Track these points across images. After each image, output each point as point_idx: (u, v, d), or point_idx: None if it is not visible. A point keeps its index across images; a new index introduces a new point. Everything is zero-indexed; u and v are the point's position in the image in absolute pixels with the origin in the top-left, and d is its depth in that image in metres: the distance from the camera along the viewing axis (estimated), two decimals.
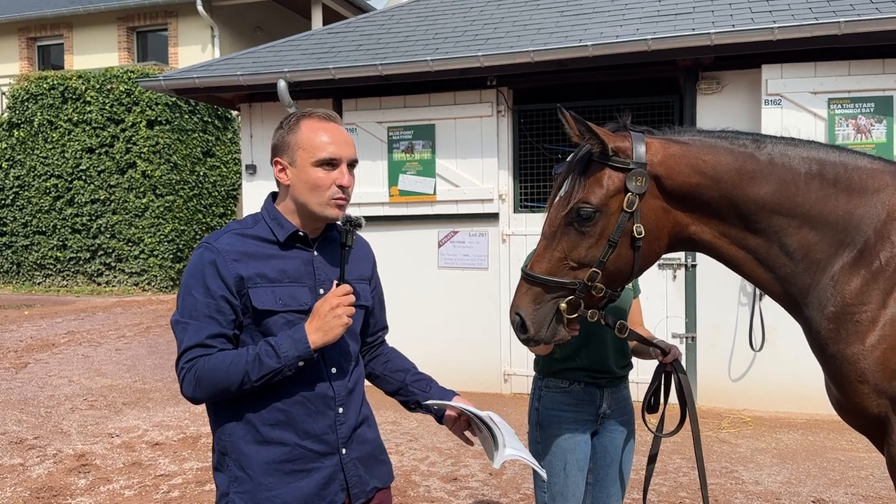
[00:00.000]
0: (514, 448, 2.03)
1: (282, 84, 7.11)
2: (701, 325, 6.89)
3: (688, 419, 2.83)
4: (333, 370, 1.99)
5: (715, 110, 6.62)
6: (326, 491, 1.95)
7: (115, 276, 15.32)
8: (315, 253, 2.03)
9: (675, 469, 5.16)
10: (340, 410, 1.99)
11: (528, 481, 4.84)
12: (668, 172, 2.26)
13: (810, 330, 2.30)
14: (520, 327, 2.31)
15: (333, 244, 2.08)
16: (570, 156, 2.34)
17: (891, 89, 6.12)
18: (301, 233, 2.00)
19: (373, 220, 7.74)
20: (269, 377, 1.85)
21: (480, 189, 7.46)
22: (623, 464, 2.89)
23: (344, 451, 1.99)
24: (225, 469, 1.96)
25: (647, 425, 2.78)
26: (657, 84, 7.28)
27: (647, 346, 2.73)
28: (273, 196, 2.07)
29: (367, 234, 8.38)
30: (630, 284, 2.86)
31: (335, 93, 7.53)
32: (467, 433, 2.19)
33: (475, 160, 7.46)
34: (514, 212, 7.49)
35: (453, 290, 7.57)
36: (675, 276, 6.99)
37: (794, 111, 6.23)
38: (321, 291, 1.98)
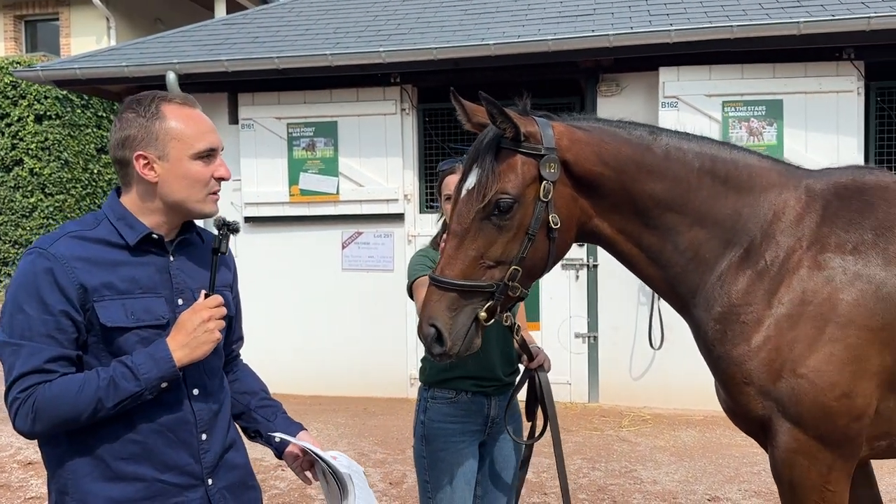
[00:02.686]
0: (366, 501, 1.85)
1: (171, 76, 6.71)
2: (602, 324, 6.93)
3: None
4: (195, 391, 1.77)
5: (615, 112, 6.64)
6: None
7: (1, 281, 14.27)
8: (171, 258, 1.78)
9: (575, 470, 5.13)
10: (204, 437, 1.77)
11: None
12: (576, 158, 2.14)
13: (698, 330, 2.25)
14: (435, 340, 2.08)
15: (192, 248, 1.85)
16: (473, 144, 2.17)
17: (781, 93, 6.33)
18: (155, 235, 1.75)
19: (272, 221, 7.44)
20: (127, 403, 1.62)
21: (385, 189, 7.28)
22: (513, 473, 2.77)
23: (210, 481, 1.77)
24: None
25: (508, 433, 2.65)
26: (560, 85, 7.29)
27: (522, 351, 2.60)
28: (118, 191, 1.80)
29: (267, 236, 8.04)
30: None
31: (230, 86, 7.17)
32: (308, 473, 2.00)
33: (380, 159, 7.27)
34: (420, 212, 7.35)
35: (358, 292, 7.35)
36: (577, 277, 7.01)
37: (690, 113, 6.34)
38: (180, 302, 1.75)
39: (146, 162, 1.71)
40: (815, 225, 2.12)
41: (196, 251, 1.85)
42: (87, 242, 1.69)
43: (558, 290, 7.05)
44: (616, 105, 6.72)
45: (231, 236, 1.81)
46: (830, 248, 2.08)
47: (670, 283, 2.24)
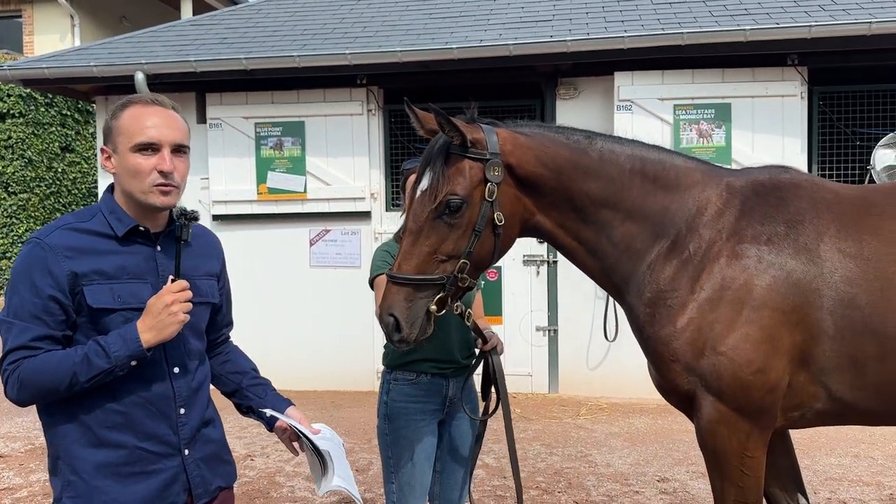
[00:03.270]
0: (341, 477, 2.03)
1: (139, 76, 6.80)
2: (562, 318, 7.20)
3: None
4: (176, 370, 1.94)
5: (573, 114, 6.93)
6: (167, 492, 1.90)
7: None
8: (158, 248, 1.95)
9: (534, 455, 5.38)
10: (182, 411, 1.94)
11: None
12: (518, 162, 2.37)
13: (631, 314, 2.49)
14: (394, 328, 2.30)
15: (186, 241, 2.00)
16: (426, 150, 2.39)
17: (729, 97, 6.65)
18: (142, 227, 1.92)
19: (240, 219, 7.57)
20: (100, 378, 1.78)
21: (352, 187, 7.45)
22: (469, 449, 2.99)
23: (187, 451, 1.94)
24: (58, 473, 1.88)
25: (465, 411, 2.88)
26: (521, 88, 7.54)
27: (476, 334, 2.82)
28: (112, 188, 1.98)
29: (235, 233, 8.15)
30: None
31: (198, 86, 7.29)
32: (295, 444, 2.17)
33: (347, 158, 7.44)
34: (387, 210, 7.54)
35: (326, 288, 7.52)
36: (538, 273, 7.27)
37: (643, 116, 6.64)
38: None
39: (106, 156, 1.91)
40: (733, 218, 2.37)
41: (189, 243, 2.00)
42: (80, 233, 1.87)
43: (520, 285, 7.31)
44: (574, 108, 7.00)
45: (191, 225, 1.95)
46: (747, 240, 2.33)
47: (606, 272, 2.48)
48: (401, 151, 7.44)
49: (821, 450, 5.52)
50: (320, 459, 2.09)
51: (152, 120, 1.87)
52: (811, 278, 2.26)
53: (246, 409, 2.19)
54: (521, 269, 7.31)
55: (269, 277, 7.53)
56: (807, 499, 2.69)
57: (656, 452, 5.44)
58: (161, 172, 1.85)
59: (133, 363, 1.81)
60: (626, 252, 2.44)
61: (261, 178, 7.49)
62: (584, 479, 4.91)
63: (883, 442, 5.69)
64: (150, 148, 1.86)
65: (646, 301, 2.40)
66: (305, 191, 7.49)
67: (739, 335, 2.27)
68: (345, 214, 7.51)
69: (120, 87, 7.37)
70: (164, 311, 1.81)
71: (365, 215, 7.50)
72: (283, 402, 2.17)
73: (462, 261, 2.31)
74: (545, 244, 7.06)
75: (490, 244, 2.35)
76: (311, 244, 7.68)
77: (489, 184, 2.30)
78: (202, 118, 7.38)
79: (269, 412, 2.09)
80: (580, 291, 6.96)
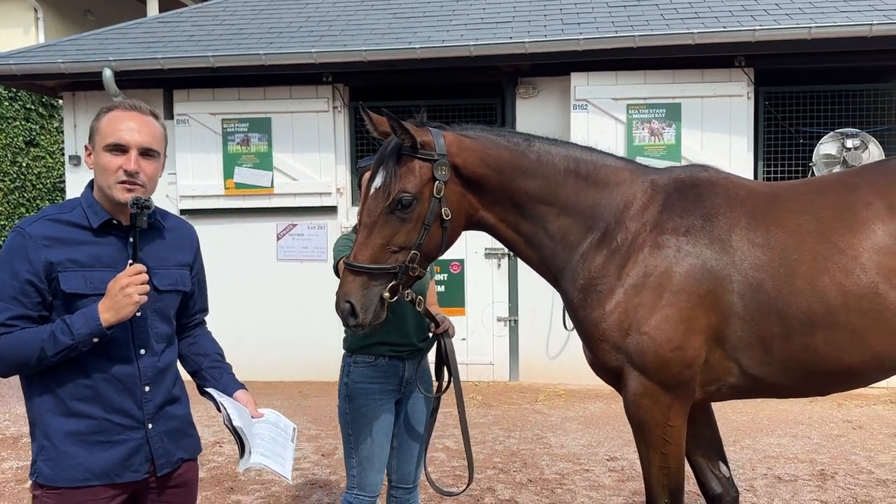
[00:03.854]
0: (265, 455, 2.18)
1: (107, 73, 6.91)
2: (522, 309, 7.48)
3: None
4: (142, 351, 2.12)
5: (532, 113, 7.20)
6: (131, 461, 2.09)
7: None
8: (130, 240, 2.11)
9: (492, 439, 5.64)
10: (147, 389, 2.12)
11: None
12: (464, 162, 2.60)
13: (566, 299, 2.74)
14: (350, 313, 2.51)
15: (156, 231, 2.20)
16: (380, 150, 2.61)
17: (679, 97, 6.97)
18: (115, 221, 2.10)
19: (208, 213, 7.70)
20: (65, 353, 1.97)
21: (318, 183, 7.64)
22: (424, 425, 3.22)
23: (150, 426, 2.13)
24: (35, 438, 2.08)
25: (420, 389, 3.12)
26: (483, 87, 7.79)
27: (428, 318, 3.05)
28: (92, 184, 2.17)
29: (203, 228, 8.24)
30: (427, 269, 3.22)
31: (165, 83, 7.42)
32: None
33: (313, 154, 7.63)
34: (353, 205, 7.73)
35: (293, 281, 7.69)
36: (499, 265, 7.54)
37: (598, 115, 6.93)
38: None
39: (88, 153, 2.13)
40: (656, 212, 2.63)
41: (155, 234, 2.20)
42: (59, 224, 2.07)
43: (482, 278, 7.57)
44: (533, 107, 7.27)
45: (144, 213, 2.08)
46: (668, 231, 2.59)
47: (544, 262, 2.73)
48: (367, 148, 7.64)
49: (762, 431, 5.86)
50: (237, 437, 2.21)
51: (126, 124, 2.08)
52: (724, 265, 2.53)
53: (204, 391, 2.36)
54: (482, 262, 7.57)
55: (237, 271, 7.69)
56: (727, 466, 2.96)
57: (608, 434, 5.73)
58: (126, 171, 2.05)
59: (95, 340, 2.00)
60: (561, 243, 2.69)
61: (228, 174, 7.63)
62: (538, 459, 5.19)
63: (820, 423, 6.07)
64: (118, 148, 2.06)
65: (579, 287, 2.66)
66: (272, 186, 7.65)
67: (660, 317, 2.53)
68: (311, 209, 7.69)
69: (87, 83, 7.47)
70: (121, 294, 1.99)
71: (331, 210, 7.69)
72: (234, 386, 2.34)
73: (413, 251, 2.53)
74: None
75: (438, 237, 2.58)
76: (279, 238, 7.85)
77: (437, 182, 2.52)
78: (169, 114, 7.50)
79: (211, 391, 2.25)
80: (540, 283, 7.07)
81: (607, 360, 2.64)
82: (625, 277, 2.58)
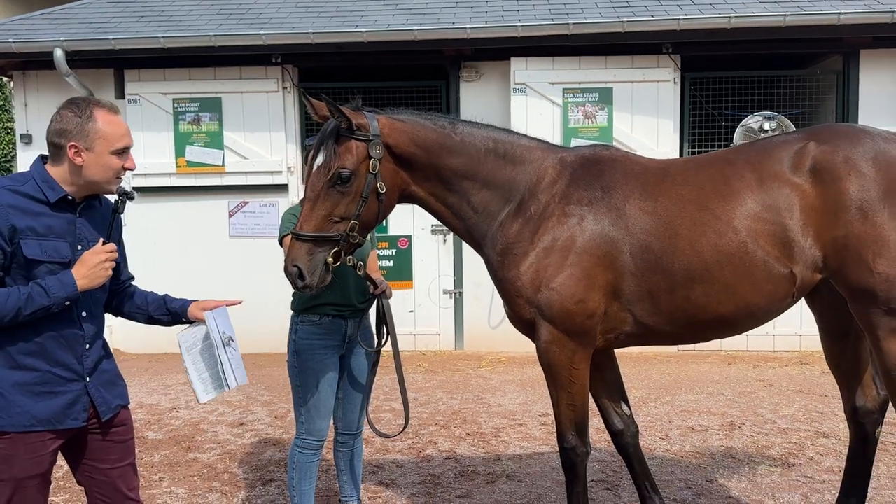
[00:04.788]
0: (201, 381, 2.56)
1: (59, 53, 7.02)
2: (467, 282, 7.90)
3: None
4: (84, 314, 2.44)
5: (474, 96, 7.58)
6: (71, 410, 2.40)
7: None
8: (77, 215, 2.44)
9: (436, 400, 6.06)
10: (87, 347, 2.44)
11: None
12: (396, 143, 2.96)
13: (488, 262, 3.14)
14: (298, 277, 2.86)
15: (92, 209, 2.50)
16: (321, 131, 2.95)
17: (611, 82, 7.42)
18: (70, 197, 2.40)
19: (160, 191, 7.90)
20: (40, 312, 2.27)
21: (269, 161, 7.89)
22: (366, 380, 3.60)
23: (88, 378, 2.44)
24: None
25: (360, 344, 3.49)
26: (428, 70, 8.12)
27: (367, 280, 3.42)
28: (43, 158, 2.44)
29: (155, 205, 8.48)
30: (368, 239, 3.59)
31: (116, 63, 7.55)
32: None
33: (263, 134, 7.87)
34: (303, 183, 7.97)
35: (245, 258, 7.95)
36: (445, 241, 7.92)
37: (536, 98, 7.34)
38: (79, 248, 2.41)
39: (76, 150, 2.37)
40: (564, 186, 3.03)
41: (95, 211, 2.51)
42: (19, 195, 2.34)
43: (428, 253, 7.96)
44: (476, 90, 7.64)
45: (128, 201, 2.48)
46: (573, 202, 3.00)
47: (469, 230, 3.12)
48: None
49: (681, 389, 6.41)
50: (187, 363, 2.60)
51: (123, 129, 2.42)
52: (619, 231, 2.95)
53: (168, 322, 2.70)
54: (429, 238, 7.95)
55: (190, 248, 7.92)
56: (628, 406, 3.41)
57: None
58: (126, 169, 2.42)
59: (67, 303, 2.32)
60: (483, 214, 3.08)
61: (179, 152, 7.83)
62: (477, 416, 5.63)
63: (735, 382, 6.65)
64: (124, 151, 2.41)
65: (498, 251, 3.05)
66: (224, 164, 7.88)
67: (566, 275, 2.94)
68: (263, 187, 7.95)
69: (38, 62, 7.55)
70: (98, 266, 2.34)
71: (282, 188, 7.97)
72: (186, 303, 2.69)
73: (353, 221, 2.89)
74: None
75: (375, 208, 2.95)
76: (231, 215, 8.10)
77: (372, 160, 2.89)
78: (121, 94, 7.64)
79: (204, 317, 2.61)
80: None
81: (522, 313, 3.05)
82: (537, 242, 2.98)
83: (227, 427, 5.49)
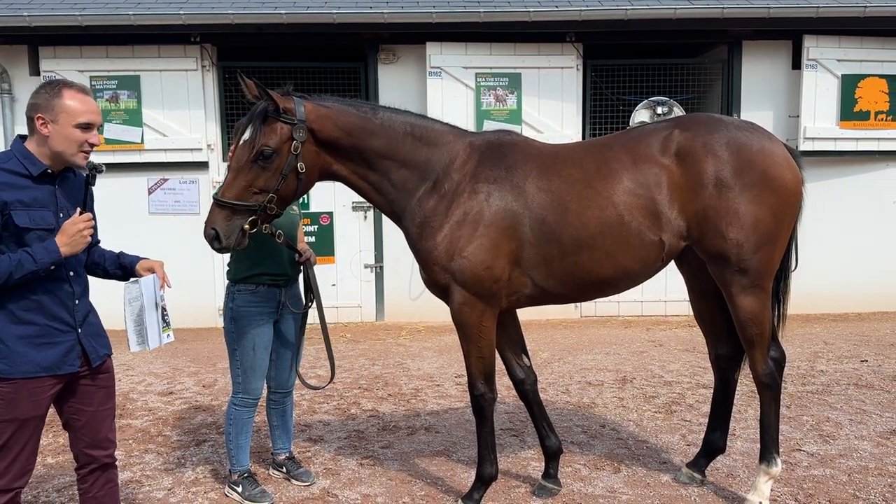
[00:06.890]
0: (136, 333, 2.87)
1: None
2: (387, 256, 8.30)
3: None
4: (72, 274, 2.77)
5: (392, 77, 7.92)
6: (67, 357, 2.73)
7: None
8: (56, 186, 2.73)
9: (359, 367, 6.47)
10: (77, 302, 2.77)
11: None
12: (320, 127, 3.32)
13: (407, 234, 3.55)
14: (214, 239, 3.20)
15: (68, 180, 2.79)
16: (251, 111, 3.27)
17: (520, 68, 7.91)
18: (49, 170, 2.68)
19: None
20: (29, 276, 2.58)
21: (189, 139, 8.01)
22: (297, 344, 3.97)
23: (80, 330, 2.78)
24: None
25: (290, 308, 3.85)
26: (348, 52, 8.40)
27: (290, 249, 3.77)
28: (21, 137, 2.72)
29: None
30: (297, 212, 3.94)
31: (31, 40, 7.48)
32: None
33: (183, 111, 7.97)
34: (224, 160, 8.15)
35: (165, 234, 8.06)
36: (365, 217, 8.28)
37: (451, 82, 7.76)
38: (61, 216, 2.71)
39: (42, 122, 2.65)
40: (473, 166, 3.47)
41: (70, 182, 2.80)
42: (4, 172, 2.63)
43: (349, 228, 8.30)
44: (393, 72, 7.99)
45: (98, 175, 2.77)
46: (481, 180, 3.44)
47: (389, 205, 3.52)
48: (236, 105, 8.07)
49: (582, 350, 7.05)
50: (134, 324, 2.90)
51: (90, 106, 2.68)
52: (520, 206, 3.42)
53: (120, 276, 3.00)
54: (350, 214, 8.29)
55: (108, 224, 7.85)
56: (528, 358, 3.92)
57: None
58: (90, 144, 2.68)
59: (52, 268, 2.63)
60: (402, 190, 3.49)
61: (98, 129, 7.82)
62: (398, 379, 6.07)
63: (629, 343, 7.34)
64: (87, 126, 2.66)
65: (416, 224, 3.47)
66: (143, 142, 7.95)
67: (476, 245, 3.39)
68: (183, 164, 8.07)
69: None
70: (78, 235, 2.64)
71: (202, 165, 8.11)
72: (136, 259, 3.01)
73: (271, 194, 3.24)
74: None
75: (294, 185, 3.30)
76: (150, 192, 8.18)
77: (295, 142, 3.24)
78: (35, 71, 7.58)
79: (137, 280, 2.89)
80: (401, 233, 8.04)
81: (438, 279, 3.48)
82: (450, 216, 3.42)
83: (157, 396, 5.74)
